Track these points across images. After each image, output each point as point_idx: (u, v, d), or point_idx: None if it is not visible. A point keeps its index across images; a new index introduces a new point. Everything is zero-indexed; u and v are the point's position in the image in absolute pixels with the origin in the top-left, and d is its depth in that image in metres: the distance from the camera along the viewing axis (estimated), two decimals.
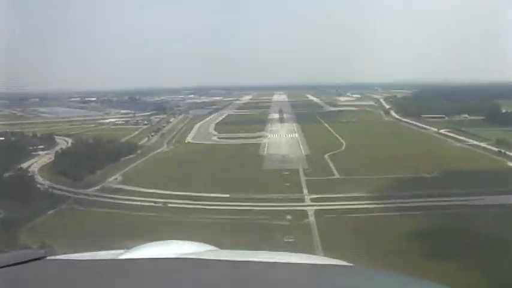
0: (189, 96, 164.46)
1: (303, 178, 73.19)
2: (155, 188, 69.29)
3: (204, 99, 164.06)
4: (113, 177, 77.96)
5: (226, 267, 3.72)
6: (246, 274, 3.53)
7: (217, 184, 68.77)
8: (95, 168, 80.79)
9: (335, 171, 75.74)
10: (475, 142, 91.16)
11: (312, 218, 59.26)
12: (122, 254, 4.32)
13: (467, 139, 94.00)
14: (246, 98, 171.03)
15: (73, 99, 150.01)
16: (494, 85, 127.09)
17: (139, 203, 65.59)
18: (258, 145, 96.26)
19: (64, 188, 72.03)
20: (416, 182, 69.51)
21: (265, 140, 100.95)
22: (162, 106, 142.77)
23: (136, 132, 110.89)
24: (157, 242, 4.72)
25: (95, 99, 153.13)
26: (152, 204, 65.34)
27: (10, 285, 3.40)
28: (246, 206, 62.66)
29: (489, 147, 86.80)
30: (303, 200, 65.05)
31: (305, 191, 67.73)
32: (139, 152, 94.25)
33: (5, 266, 3.59)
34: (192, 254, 4.17)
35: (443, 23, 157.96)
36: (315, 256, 5.12)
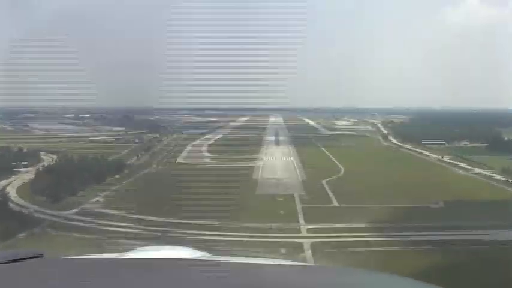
0: (184, 116, 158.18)
1: (299, 205, 66.20)
2: (139, 213, 62.04)
3: (199, 119, 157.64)
4: (94, 199, 71.07)
5: (219, 269, 3.75)
6: (237, 274, 3.48)
7: (206, 210, 61.41)
8: (77, 189, 74.05)
9: (333, 199, 68.78)
10: (480, 170, 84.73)
11: (308, 253, 52.13)
12: (117, 256, 4.46)
13: (471, 167, 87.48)
14: (242, 120, 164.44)
15: (67, 115, 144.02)
16: (492, 113, 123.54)
17: (119, 229, 58.23)
18: (252, 168, 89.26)
19: (40, 209, 64.99)
20: (421, 212, 62.84)
21: (259, 163, 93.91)
22: (156, 125, 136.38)
23: (126, 151, 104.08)
24: (152, 247, 5.01)
25: (88, 116, 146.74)
26: (134, 231, 57.73)
27: (6, 282, 3.29)
28: (235, 236, 55.59)
29: (495, 176, 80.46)
30: (298, 231, 57.92)
31: (301, 220, 60.69)
32: (126, 171, 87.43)
33: (1, 263, 3.56)
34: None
35: (442, 50, 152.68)
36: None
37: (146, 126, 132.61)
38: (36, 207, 65.40)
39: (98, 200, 70.66)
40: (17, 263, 3.63)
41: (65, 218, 63.15)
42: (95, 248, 48.74)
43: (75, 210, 66.24)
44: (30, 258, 3.79)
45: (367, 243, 53.49)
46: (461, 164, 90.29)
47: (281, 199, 69.16)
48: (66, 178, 75.82)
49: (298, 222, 59.94)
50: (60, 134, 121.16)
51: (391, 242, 53.91)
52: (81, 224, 60.91)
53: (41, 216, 62.96)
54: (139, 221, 60.29)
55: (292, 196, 70.56)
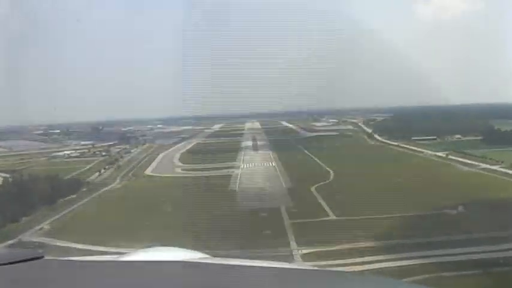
0: (157, 126, 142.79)
1: (287, 221, 50.34)
2: (91, 243, 45.74)
3: (172, 128, 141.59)
4: (39, 226, 54.81)
5: (220, 271, 3.60)
6: (238, 277, 3.40)
7: (174, 234, 44.53)
8: (21, 214, 58.11)
9: (328, 210, 53.18)
10: (487, 165, 70.43)
11: None
12: (117, 258, 4.29)
13: (475, 162, 73.23)
14: (217, 127, 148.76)
15: (36, 132, 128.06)
16: (480, 106, 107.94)
17: None
18: (229, 177, 73.20)
19: None
20: (440, 222, 47.54)
21: (237, 171, 77.86)
22: (125, 136, 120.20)
23: (88, 166, 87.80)
24: (154, 248, 4.75)
25: (58, 131, 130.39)
26: None
27: (7, 284, 3.21)
28: None
29: (506, 170, 66.00)
30: (291, 259, 41.15)
31: (292, 242, 44.60)
32: (84, 190, 70.94)
33: (2, 265, 3.45)
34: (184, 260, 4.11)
35: (422, 45, 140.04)
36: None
37: (115, 138, 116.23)
38: None
39: (41, 228, 54.32)
40: (17, 265, 3.41)
41: None
42: None
43: (11, 241, 50.03)
44: (31, 259, 3.53)
45: (381, 271, 37.71)
46: (462, 160, 76.09)
47: (265, 214, 53.27)
48: (11, 201, 59.96)
49: (289, 246, 43.72)
50: (23, 151, 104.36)
51: (419, 267, 38.41)
52: None
53: None
54: (88, 253, 43.72)
55: (278, 209, 54.79)
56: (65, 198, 65.38)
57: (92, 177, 78.77)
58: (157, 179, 76.39)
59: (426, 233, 44.31)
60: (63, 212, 59.19)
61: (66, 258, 4.42)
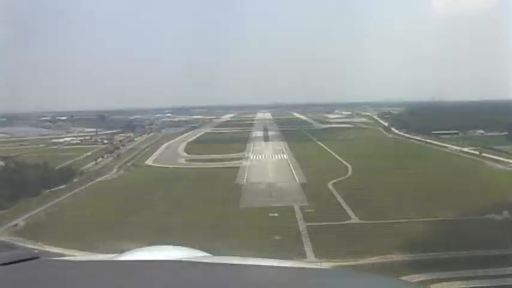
0: (167, 115, 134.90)
1: (302, 225, 40.49)
2: (72, 247, 35.82)
3: (181, 117, 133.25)
4: (14, 222, 45.38)
5: (218, 270, 3.38)
6: (237, 276, 3.18)
7: (169, 236, 34.61)
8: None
9: (350, 212, 43.36)
10: None
11: None
12: (114, 257, 3.97)
13: (508, 160, 62.55)
14: (227, 117, 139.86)
15: (43, 118, 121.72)
16: (498, 102, 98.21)
17: None
18: (237, 169, 63.87)
19: None
20: (488, 229, 37.33)
21: (245, 163, 68.33)
22: (132, 124, 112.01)
23: (88, 153, 79.71)
24: (150, 247, 4.26)
25: (65, 118, 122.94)
26: None
27: (2, 285, 3.04)
28: None
29: None
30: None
31: (309, 252, 34.62)
32: (76, 180, 62.22)
33: None
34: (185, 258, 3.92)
35: (433, 39, 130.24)
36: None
37: (121, 126, 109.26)
38: None
39: (16, 224, 45.06)
40: (13, 265, 3.23)
41: None
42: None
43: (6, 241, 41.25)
44: (26, 260, 3.36)
45: None
46: (492, 156, 65.67)
47: (275, 214, 43.60)
48: None
49: (305, 256, 33.66)
50: (24, 138, 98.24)
51: None
52: None
53: None
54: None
55: (291, 209, 45.10)
56: (52, 189, 56.39)
57: (87, 166, 69.68)
58: (159, 170, 66.95)
59: (475, 242, 34.37)
60: (45, 206, 50.02)
61: (61, 259, 4.21)
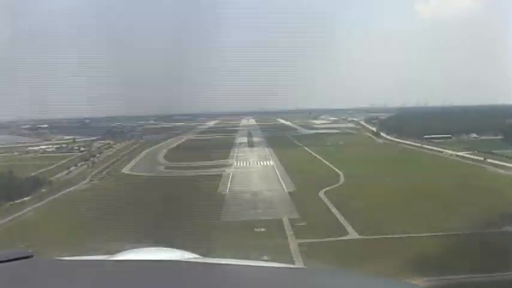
0: (149, 122, 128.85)
1: (293, 242, 34.09)
2: None
3: (164, 124, 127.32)
4: None
5: (210, 270, 3.38)
6: (228, 277, 3.18)
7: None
8: None
9: (346, 225, 37.13)
10: None
11: None
12: (108, 257, 3.98)
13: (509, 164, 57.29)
14: (211, 123, 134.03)
15: (23, 126, 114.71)
16: (487, 106, 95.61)
17: None
18: (219, 178, 57.48)
19: None
20: (505, 247, 31.20)
21: (229, 170, 61.91)
22: (111, 131, 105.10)
23: (62, 161, 72.69)
24: (143, 249, 4.32)
25: (46, 126, 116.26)
26: None
27: None
28: None
29: None
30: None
31: None
32: (43, 190, 55.25)
33: None
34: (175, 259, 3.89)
35: (424, 46, 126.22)
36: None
37: (101, 133, 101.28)
38: None
39: None
40: (7, 264, 3.21)
41: None
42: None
43: None
44: (21, 258, 3.35)
45: None
46: (491, 161, 60.46)
47: (262, 229, 37.16)
48: None
49: None
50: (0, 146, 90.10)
51: None
52: None
53: None
54: None
55: (280, 222, 38.79)
56: (15, 201, 49.50)
57: (59, 175, 62.76)
58: (135, 179, 60.39)
59: (492, 263, 28.48)
60: (3, 221, 42.96)
61: (56, 258, 3.94)
